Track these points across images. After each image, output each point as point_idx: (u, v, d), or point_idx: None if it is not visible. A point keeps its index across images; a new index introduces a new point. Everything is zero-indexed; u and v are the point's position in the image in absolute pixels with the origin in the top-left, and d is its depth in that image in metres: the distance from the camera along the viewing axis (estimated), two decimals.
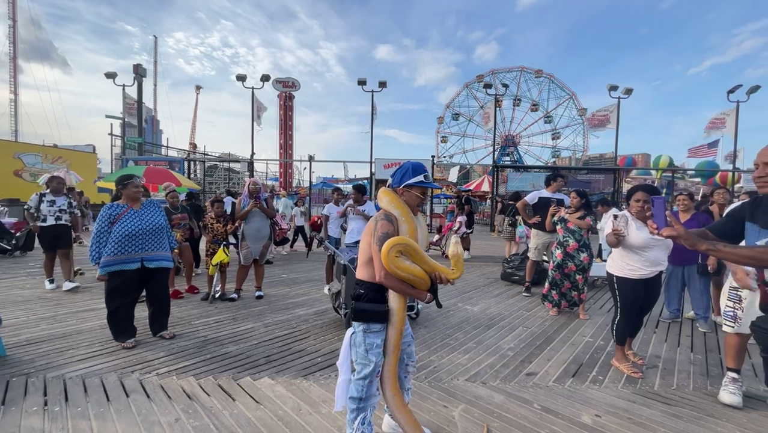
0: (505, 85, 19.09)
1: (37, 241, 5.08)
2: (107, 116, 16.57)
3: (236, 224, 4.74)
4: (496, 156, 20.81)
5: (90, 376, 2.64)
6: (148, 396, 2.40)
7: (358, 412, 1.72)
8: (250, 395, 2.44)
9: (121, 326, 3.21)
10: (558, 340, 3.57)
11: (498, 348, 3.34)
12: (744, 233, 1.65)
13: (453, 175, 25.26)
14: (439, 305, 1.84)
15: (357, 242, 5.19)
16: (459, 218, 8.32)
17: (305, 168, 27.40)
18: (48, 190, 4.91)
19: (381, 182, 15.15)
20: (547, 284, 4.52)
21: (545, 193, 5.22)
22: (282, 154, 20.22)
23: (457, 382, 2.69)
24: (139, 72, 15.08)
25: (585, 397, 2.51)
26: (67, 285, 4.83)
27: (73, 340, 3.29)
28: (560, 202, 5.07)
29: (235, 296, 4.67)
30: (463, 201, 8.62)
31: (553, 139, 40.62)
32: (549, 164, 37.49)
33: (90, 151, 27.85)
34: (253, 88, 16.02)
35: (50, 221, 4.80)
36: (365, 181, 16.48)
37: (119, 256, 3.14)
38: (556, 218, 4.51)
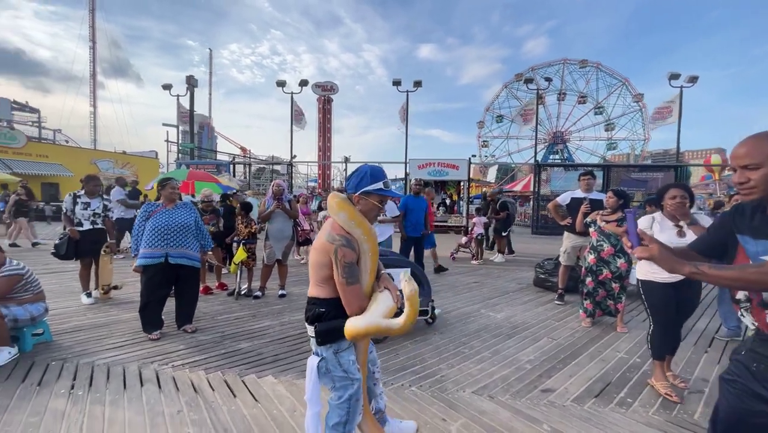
0: (548, 79, 17.96)
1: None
2: (164, 124, 18.16)
3: (258, 225, 4.91)
4: (541, 155, 19.68)
5: (115, 364, 2.86)
6: (160, 387, 2.54)
7: None
8: (250, 393, 2.48)
9: (149, 318, 3.45)
10: (586, 354, 3.25)
11: (515, 360, 3.11)
12: (735, 247, 1.32)
13: (491, 176, 24.30)
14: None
15: (379, 243, 5.16)
16: (474, 219, 7.98)
17: (345, 169, 28.00)
18: (83, 191, 4.53)
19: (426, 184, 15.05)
20: (583, 291, 4.15)
21: (579, 193, 4.81)
22: (320, 156, 20.81)
23: (462, 394, 2.53)
24: (191, 83, 16.35)
25: (605, 421, 2.25)
26: (95, 294, 4.57)
27: (109, 329, 3.59)
28: (597, 204, 4.64)
29: (259, 293, 4.84)
30: (497, 204, 8.26)
31: (606, 130, 37.48)
32: (604, 160, 34.76)
33: (153, 156, 30.77)
34: (292, 93, 16.66)
35: (86, 226, 4.43)
36: (400, 181, 16.40)
37: (146, 250, 3.39)
38: (588, 219, 4.12)
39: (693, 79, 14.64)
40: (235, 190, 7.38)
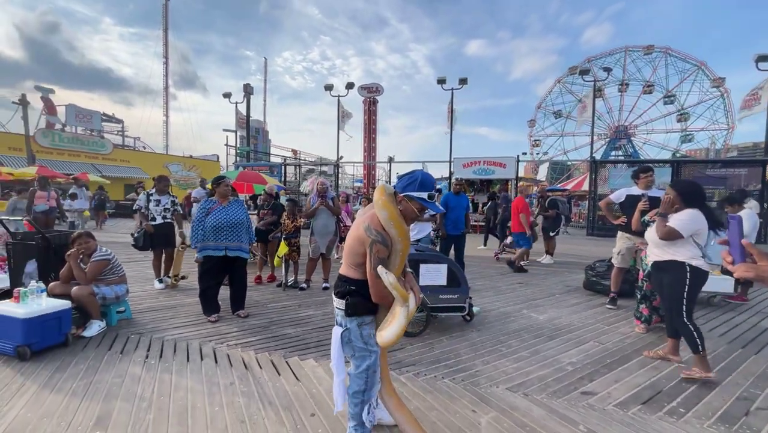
0: (607, 69, 16.55)
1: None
2: (224, 130, 19.78)
3: (303, 221, 5.22)
4: (601, 152, 18.25)
5: (180, 340, 3.25)
6: (216, 362, 2.85)
7: (363, 404, 1.74)
8: (293, 372, 2.70)
9: (208, 303, 3.85)
10: (636, 361, 3.05)
11: (556, 361, 3.01)
12: None
13: (542, 174, 23.01)
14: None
15: (417, 241, 5.22)
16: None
17: (389, 170, 28.29)
18: (154, 190, 5.07)
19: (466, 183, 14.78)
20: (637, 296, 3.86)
21: (635, 190, 4.46)
22: (366, 156, 21.27)
23: (495, 389, 2.53)
24: (247, 91, 17.65)
25: (650, 428, 2.12)
26: (166, 280, 5.10)
27: (176, 311, 4.07)
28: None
29: (304, 285, 5.15)
30: (546, 202, 7.91)
31: (679, 121, 33.52)
32: (676, 154, 31.23)
33: (215, 159, 33.53)
34: (338, 96, 17.26)
35: (158, 220, 4.96)
36: (444, 180, 16.22)
37: (208, 243, 3.78)
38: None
39: None
40: (283, 188, 7.85)
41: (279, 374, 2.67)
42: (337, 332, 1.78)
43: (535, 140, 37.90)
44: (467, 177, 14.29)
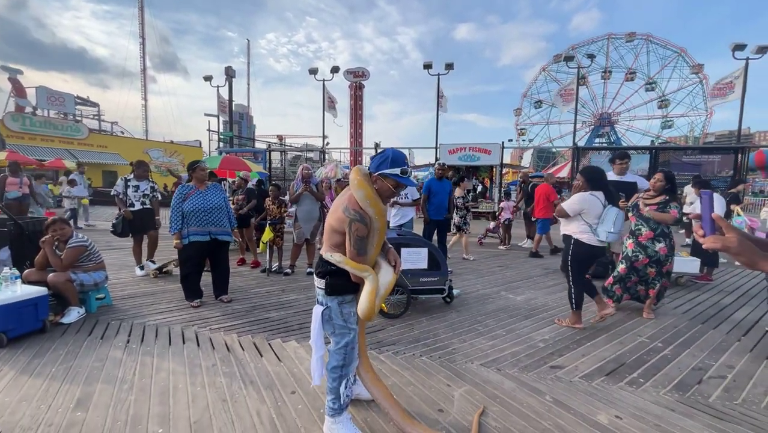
0: (591, 56, 16.71)
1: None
2: (205, 114, 19.24)
3: (288, 207, 5.22)
4: (585, 139, 18.55)
5: (162, 325, 3.26)
6: (198, 345, 2.89)
7: (341, 379, 1.81)
8: (275, 354, 2.76)
9: (190, 288, 3.85)
10: (604, 337, 3.22)
11: (529, 339, 3.16)
12: None
13: (526, 160, 23.30)
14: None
15: (400, 226, 5.29)
16: (503, 204, 7.88)
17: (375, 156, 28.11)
18: (132, 176, 5.03)
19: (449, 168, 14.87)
20: (610, 277, 4.03)
21: (611, 176, 4.60)
22: (352, 142, 21.08)
23: (470, 365, 2.65)
24: (229, 74, 17.11)
25: (612, 397, 2.27)
26: (150, 265, 5.07)
27: (158, 297, 4.05)
28: (630, 187, 4.45)
29: (289, 271, 5.18)
30: (529, 187, 8.07)
31: (660, 108, 34.23)
32: (654, 141, 31.97)
33: (197, 145, 32.63)
34: (324, 80, 16.92)
35: (137, 206, 4.93)
36: (431, 167, 16.26)
37: (194, 228, 3.74)
38: (629, 203, 3.94)
39: (762, 50, 13.07)
40: (267, 176, 7.77)
41: (261, 356, 2.73)
42: (317, 310, 1.83)
43: (521, 129, 38.12)
44: (453, 163, 14.37)
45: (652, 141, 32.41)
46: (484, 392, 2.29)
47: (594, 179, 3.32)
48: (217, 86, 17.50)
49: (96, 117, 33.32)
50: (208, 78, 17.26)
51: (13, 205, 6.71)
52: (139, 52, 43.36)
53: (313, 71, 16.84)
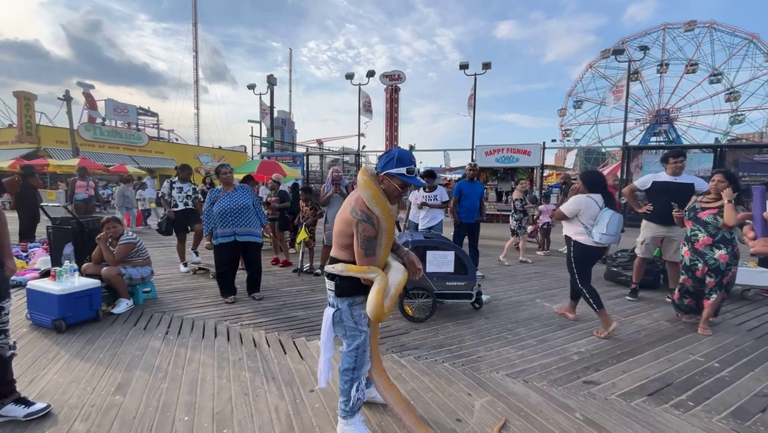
0: (644, 48, 15.30)
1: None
2: (249, 121, 20.30)
3: (322, 209, 5.34)
4: (640, 138, 17.18)
5: (198, 319, 3.45)
6: (229, 340, 3.02)
7: (353, 382, 1.79)
8: (298, 352, 2.82)
9: (225, 285, 4.05)
10: (649, 353, 2.94)
11: (562, 350, 2.96)
12: None
13: (569, 162, 22.00)
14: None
15: (429, 228, 5.21)
16: (541, 207, 7.44)
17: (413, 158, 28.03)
18: (177, 178, 5.36)
19: (482, 170, 14.43)
20: (676, 291, 3.67)
21: (662, 176, 4.22)
22: (387, 145, 21.17)
23: (494, 375, 2.53)
24: (270, 81, 17.96)
25: (653, 420, 2.05)
26: (193, 257, 5.55)
27: (197, 293, 4.31)
28: (687, 189, 4.03)
29: (319, 271, 5.29)
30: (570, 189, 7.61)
31: (728, 101, 30.77)
32: (728, 139, 28.83)
33: (242, 150, 34.53)
34: (359, 84, 17.19)
35: (180, 206, 5.26)
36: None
37: (220, 230, 3.94)
38: (687, 207, 3.58)
39: None
40: (300, 180, 8.02)
41: (285, 353, 2.80)
42: (328, 312, 1.82)
43: (565, 130, 36.02)
44: (489, 165, 13.96)
45: (716, 138, 29.31)
46: (507, 404, 2.17)
47: (592, 183, 3.40)
48: (260, 94, 18.42)
49: (155, 126, 36.37)
50: (251, 86, 18.23)
51: (80, 206, 7.49)
52: (193, 65, 46.77)
53: (350, 76, 17.18)
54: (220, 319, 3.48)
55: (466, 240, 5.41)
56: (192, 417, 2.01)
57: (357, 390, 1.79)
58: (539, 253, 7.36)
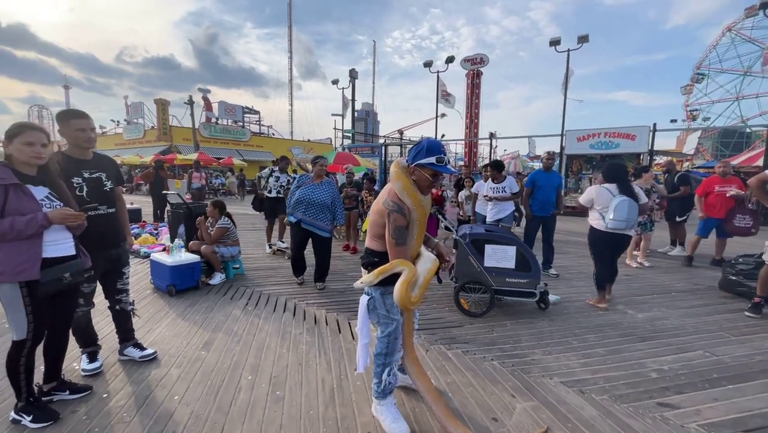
0: None
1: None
2: (332, 114, 21.53)
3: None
4: None
5: (273, 295, 3.92)
6: (294, 315, 3.38)
7: (385, 366, 1.88)
8: (351, 332, 3.01)
9: (296, 265, 4.47)
10: (760, 382, 2.40)
11: (638, 365, 2.60)
12: None
13: (689, 145, 18.11)
14: (439, 280, 2.00)
15: (497, 221, 4.96)
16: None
17: (495, 146, 26.58)
18: (277, 168, 5.96)
19: (573, 158, 12.97)
20: None
21: None
22: (467, 133, 20.38)
23: (546, 380, 2.36)
24: (352, 76, 18.72)
25: None
26: (279, 244, 6.02)
27: (275, 271, 4.87)
28: None
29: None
30: (675, 177, 6.42)
31: None
32: None
33: (328, 142, 36.84)
34: (438, 72, 16.81)
35: (273, 194, 5.76)
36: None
37: (290, 211, 4.28)
38: None
39: None
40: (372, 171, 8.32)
41: (339, 332, 3.02)
42: (363, 300, 1.92)
43: (691, 111, 29.59)
44: (583, 152, 12.49)
45: None
46: (554, 413, 2.02)
47: (609, 174, 3.65)
48: (342, 88, 19.38)
49: (258, 123, 41.07)
50: (335, 81, 19.29)
51: (195, 194, 8.99)
52: (288, 65, 51.22)
53: (428, 64, 16.94)
54: (290, 296, 3.89)
55: (539, 235, 5.02)
56: (254, 377, 2.34)
57: (388, 374, 1.88)
58: (635, 252, 6.39)
